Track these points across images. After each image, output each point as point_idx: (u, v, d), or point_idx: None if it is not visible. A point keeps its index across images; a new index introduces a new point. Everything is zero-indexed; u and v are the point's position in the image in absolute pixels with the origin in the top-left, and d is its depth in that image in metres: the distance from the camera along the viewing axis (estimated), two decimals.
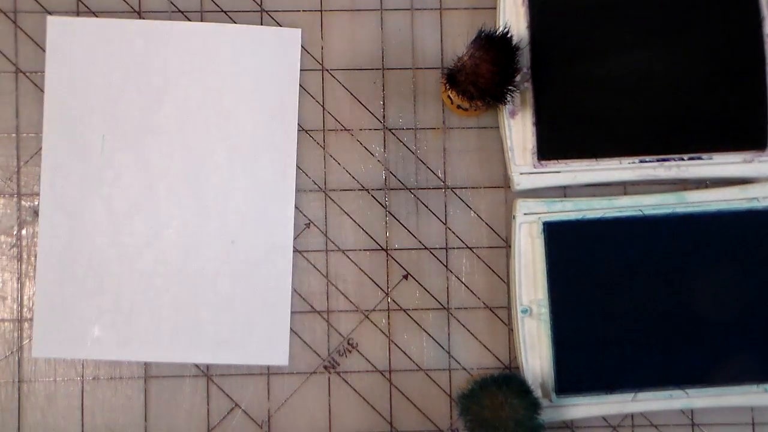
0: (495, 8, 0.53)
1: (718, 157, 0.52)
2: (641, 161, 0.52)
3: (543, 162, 0.51)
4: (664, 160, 0.52)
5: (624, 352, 0.51)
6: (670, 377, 0.51)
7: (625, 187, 0.53)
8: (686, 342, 0.51)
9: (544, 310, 0.51)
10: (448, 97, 0.51)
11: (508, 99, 0.49)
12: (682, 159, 0.52)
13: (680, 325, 0.51)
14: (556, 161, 0.51)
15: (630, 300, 0.51)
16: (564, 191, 0.53)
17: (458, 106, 0.52)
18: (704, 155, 0.52)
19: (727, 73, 0.52)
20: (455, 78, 0.48)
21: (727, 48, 0.52)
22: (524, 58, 0.51)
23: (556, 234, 0.51)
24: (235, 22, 0.53)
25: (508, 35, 0.48)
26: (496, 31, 0.48)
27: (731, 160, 0.52)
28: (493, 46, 0.48)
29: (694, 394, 0.51)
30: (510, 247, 0.53)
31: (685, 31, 0.52)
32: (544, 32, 0.51)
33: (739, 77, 0.52)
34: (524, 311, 0.51)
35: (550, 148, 0.51)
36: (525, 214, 0.51)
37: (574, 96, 0.52)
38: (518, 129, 0.51)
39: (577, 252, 0.51)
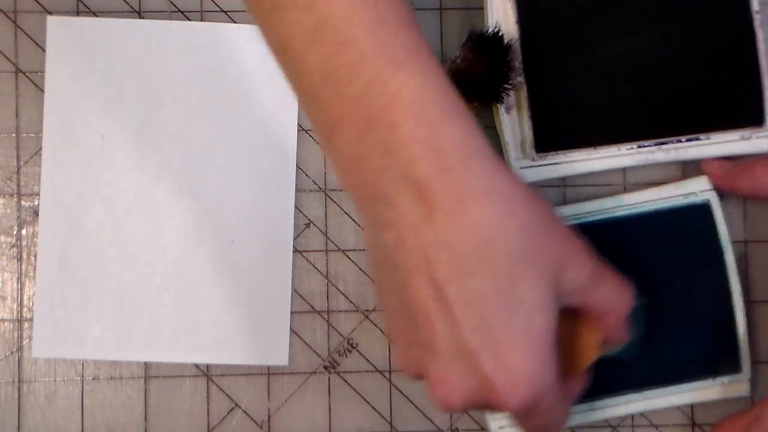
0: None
1: (716, 137, 0.52)
2: (639, 146, 0.52)
3: (541, 154, 0.51)
4: (662, 143, 0.52)
5: None
6: (626, 383, 0.51)
7: (625, 174, 0.53)
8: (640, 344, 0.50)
9: None
10: None
11: (505, 97, 0.49)
12: (680, 141, 0.52)
13: None
14: (554, 153, 0.51)
15: None
16: (564, 182, 0.53)
17: None
18: (702, 135, 0.52)
19: (719, 51, 0.52)
20: (450, 81, 0.48)
21: (718, 26, 0.52)
22: (516, 53, 0.51)
23: None
24: (235, 22, 0.53)
25: (499, 34, 0.48)
26: (486, 31, 0.48)
27: (729, 138, 0.52)
28: (485, 46, 0.48)
29: (652, 395, 0.51)
30: None
31: (675, 11, 0.52)
32: (533, 25, 0.51)
33: (731, 55, 0.52)
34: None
35: (547, 140, 0.51)
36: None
37: (568, 86, 0.52)
38: (514, 123, 0.51)
39: None
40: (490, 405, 0.40)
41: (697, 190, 0.52)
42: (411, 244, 0.38)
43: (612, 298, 0.43)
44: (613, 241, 0.51)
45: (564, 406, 0.44)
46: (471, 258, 0.38)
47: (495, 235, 0.38)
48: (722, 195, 0.52)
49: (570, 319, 0.44)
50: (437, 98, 0.38)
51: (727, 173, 0.51)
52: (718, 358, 0.51)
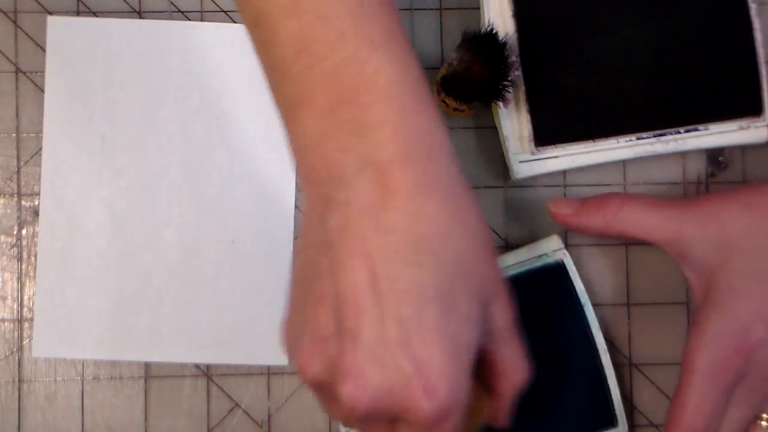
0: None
1: (715, 127, 0.52)
2: (638, 138, 0.52)
3: (540, 148, 0.51)
4: (660, 135, 0.52)
5: None
6: None
7: (624, 167, 0.53)
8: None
9: None
10: (443, 101, 0.51)
11: (506, 95, 0.49)
12: (679, 132, 0.52)
13: None
14: (553, 146, 0.51)
15: None
16: (564, 177, 0.53)
17: (455, 109, 0.52)
18: (701, 126, 0.52)
19: (716, 42, 0.52)
20: (449, 84, 0.49)
21: (714, 17, 0.52)
22: (512, 48, 0.51)
23: None
24: (235, 22, 0.53)
25: (494, 32, 0.48)
26: (480, 31, 0.48)
27: (728, 129, 0.52)
28: (482, 45, 0.48)
29: None
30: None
31: (672, 2, 0.52)
32: (530, 19, 0.51)
33: (728, 46, 0.52)
34: None
35: (546, 134, 0.51)
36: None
37: (566, 80, 0.52)
38: (513, 118, 0.51)
39: None
40: (400, 410, 0.37)
41: (549, 250, 0.51)
42: (357, 227, 0.37)
43: (514, 364, 0.42)
44: None
45: None
46: (419, 248, 0.37)
47: (447, 232, 0.38)
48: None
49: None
50: (411, 86, 0.38)
51: (578, 211, 0.50)
52: (593, 414, 0.51)
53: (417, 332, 0.37)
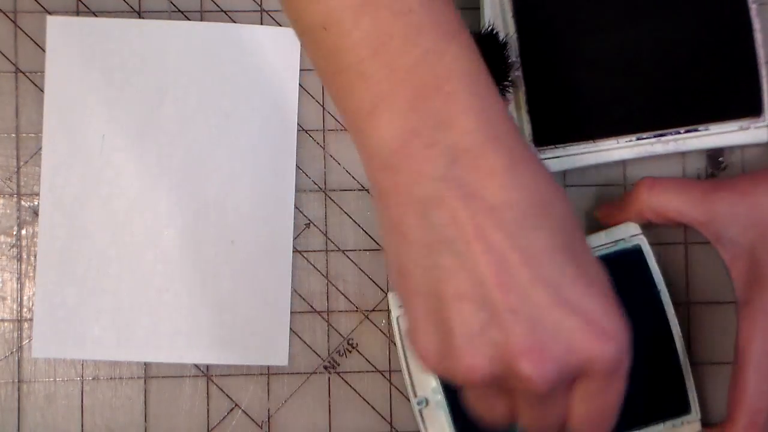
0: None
1: (715, 127, 0.52)
2: (638, 139, 0.52)
3: (540, 148, 0.51)
4: (660, 135, 0.52)
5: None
6: None
7: (624, 167, 0.53)
8: None
9: (439, 397, 0.50)
10: None
11: (506, 95, 0.49)
12: (679, 132, 0.52)
13: None
14: (553, 147, 0.51)
15: None
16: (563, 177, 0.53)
17: None
18: (701, 127, 0.52)
19: (716, 42, 0.52)
20: None
21: (714, 17, 0.52)
22: (512, 48, 0.51)
23: None
24: (235, 22, 0.53)
25: (494, 32, 0.48)
26: (480, 31, 0.48)
27: (728, 129, 0.52)
28: (482, 45, 0.48)
29: None
30: None
31: (672, 2, 0.52)
32: (530, 19, 0.51)
33: (728, 46, 0.52)
34: (420, 403, 0.50)
35: (546, 134, 0.51)
36: (400, 306, 0.50)
37: (566, 80, 0.52)
38: (513, 118, 0.51)
39: None
40: (585, 365, 0.37)
41: (627, 235, 0.51)
42: (469, 214, 0.37)
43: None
44: None
45: None
46: (532, 215, 0.37)
47: (547, 195, 0.38)
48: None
49: None
50: (484, 72, 0.38)
51: (617, 208, 0.51)
52: (667, 400, 0.51)
53: (566, 287, 0.37)
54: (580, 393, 0.39)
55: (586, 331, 0.36)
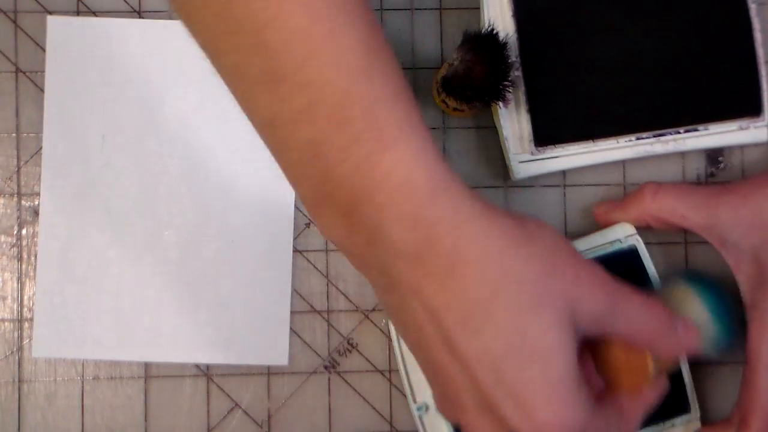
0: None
1: (714, 127, 0.52)
2: (638, 138, 0.52)
3: (540, 148, 0.51)
4: (660, 135, 0.52)
5: None
6: None
7: (624, 167, 0.53)
8: None
9: None
10: (443, 101, 0.51)
11: (506, 95, 0.49)
12: (678, 132, 0.52)
13: None
14: (553, 147, 0.51)
15: None
16: (563, 176, 0.53)
17: (455, 109, 0.52)
18: (700, 126, 0.52)
19: (715, 42, 0.52)
20: (450, 84, 0.48)
21: (714, 17, 0.52)
22: (512, 48, 0.51)
23: None
24: None
25: (494, 32, 0.48)
26: (480, 31, 0.48)
27: (727, 129, 0.52)
28: (481, 46, 0.48)
29: None
30: None
31: (671, 2, 0.52)
32: (529, 19, 0.51)
33: (728, 46, 0.52)
34: (420, 408, 0.50)
35: (546, 134, 0.51)
36: None
37: (565, 80, 0.52)
38: (513, 118, 0.51)
39: None
40: None
41: (622, 236, 0.51)
42: (414, 306, 0.39)
43: (635, 321, 0.42)
44: None
45: (624, 424, 0.43)
46: (473, 317, 0.38)
47: (491, 294, 0.38)
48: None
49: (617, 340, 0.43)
50: (428, 177, 0.38)
51: (617, 205, 0.51)
52: (666, 400, 0.50)
53: (508, 390, 0.38)
54: None
55: (524, 429, 0.38)
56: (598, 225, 0.52)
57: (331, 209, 0.39)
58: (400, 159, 0.37)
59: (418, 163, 0.38)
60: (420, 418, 0.50)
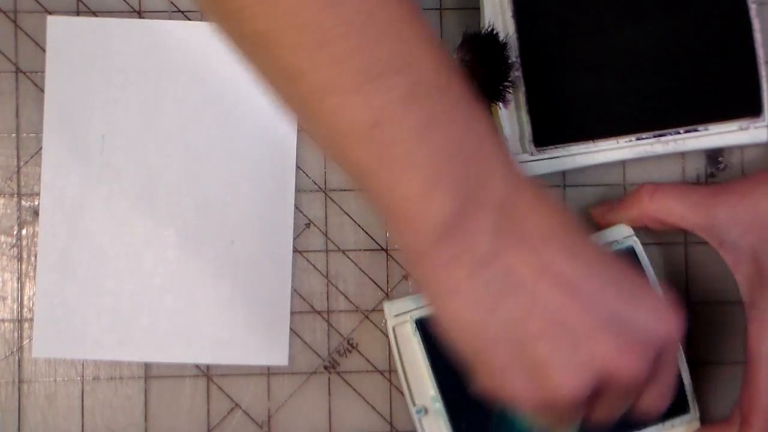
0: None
1: (714, 128, 0.52)
2: (638, 139, 0.52)
3: (540, 149, 0.51)
4: (660, 135, 0.52)
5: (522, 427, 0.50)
6: None
7: (624, 167, 0.53)
8: None
9: (438, 405, 0.50)
10: None
11: (506, 95, 0.49)
12: (678, 132, 0.52)
13: None
14: (553, 147, 0.51)
15: None
16: (563, 177, 0.53)
17: None
18: (700, 127, 0.52)
19: (715, 42, 0.52)
20: None
21: (714, 17, 0.52)
22: (512, 48, 0.51)
23: (429, 328, 0.50)
24: None
25: (494, 33, 0.48)
26: (480, 32, 0.48)
27: (727, 129, 0.52)
28: (481, 46, 0.48)
29: None
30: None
31: (671, 2, 0.52)
32: (529, 19, 0.51)
33: (728, 46, 0.52)
34: (419, 411, 0.50)
35: (546, 134, 0.51)
36: (395, 315, 0.51)
37: (565, 80, 0.52)
38: (512, 118, 0.51)
39: None
40: (663, 344, 0.40)
41: (620, 237, 0.51)
42: (522, 259, 0.39)
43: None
44: None
45: None
46: (572, 237, 0.40)
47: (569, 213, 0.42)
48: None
49: None
50: (491, 123, 0.41)
51: (616, 206, 0.52)
52: None
53: (626, 289, 0.40)
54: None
55: (655, 319, 0.40)
56: (596, 226, 0.52)
57: (444, 187, 0.38)
58: (477, 106, 0.40)
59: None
60: (420, 420, 0.50)
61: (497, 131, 0.41)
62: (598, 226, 0.52)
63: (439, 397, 0.50)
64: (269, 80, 0.39)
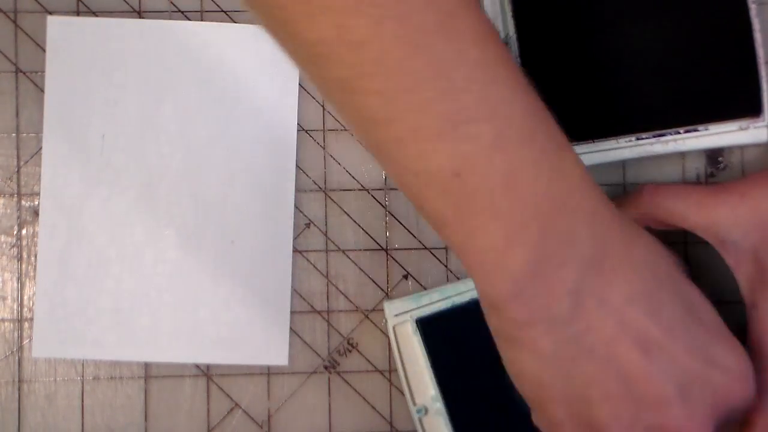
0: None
1: (714, 128, 0.52)
2: (638, 139, 0.52)
3: None
4: (660, 135, 0.52)
5: (525, 429, 0.50)
6: None
7: (624, 167, 0.53)
8: None
9: (438, 405, 0.50)
10: None
11: None
12: (679, 132, 0.52)
13: None
14: None
15: None
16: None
17: None
18: (700, 127, 0.52)
19: (715, 42, 0.52)
20: None
21: (714, 17, 0.52)
22: (513, 48, 0.51)
23: (430, 328, 0.50)
24: (235, 22, 0.53)
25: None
26: None
27: (727, 129, 0.52)
28: None
29: None
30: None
31: (671, 3, 0.52)
32: (529, 19, 0.51)
33: (728, 46, 0.52)
34: (420, 411, 0.50)
35: None
36: (396, 315, 0.51)
37: (565, 80, 0.52)
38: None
39: (455, 340, 0.51)
40: (733, 410, 0.40)
41: None
42: (602, 320, 0.38)
43: None
44: None
45: None
46: (657, 294, 0.39)
47: (660, 263, 0.41)
48: None
49: None
50: (586, 171, 0.40)
51: (617, 205, 0.51)
52: None
53: (701, 347, 0.40)
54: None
55: (727, 380, 0.39)
56: None
57: (525, 241, 0.37)
58: (572, 153, 0.39)
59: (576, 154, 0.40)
60: (420, 420, 0.50)
61: (589, 176, 0.39)
62: None
63: (439, 396, 0.50)
64: (351, 122, 0.37)
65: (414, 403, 0.51)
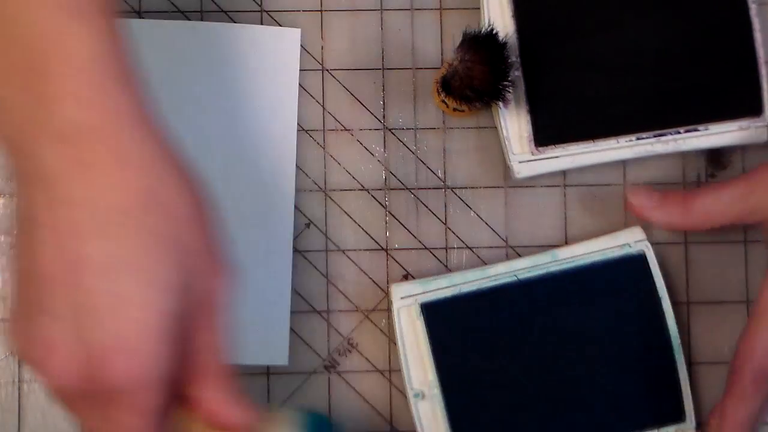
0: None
1: (715, 127, 0.52)
2: (638, 138, 0.52)
3: (541, 148, 0.51)
4: (660, 135, 0.52)
5: (518, 420, 0.51)
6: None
7: (624, 167, 0.53)
8: (579, 399, 0.51)
9: (435, 391, 0.50)
10: (443, 101, 0.51)
11: (506, 95, 0.49)
12: (679, 132, 0.52)
13: (569, 383, 0.51)
14: (553, 146, 0.51)
15: (518, 366, 0.51)
16: (564, 177, 0.53)
17: (455, 109, 0.52)
18: (700, 126, 0.52)
19: (716, 42, 0.52)
20: (450, 84, 0.49)
21: (714, 17, 0.52)
22: (512, 48, 0.51)
23: (434, 313, 0.50)
24: (235, 22, 0.53)
25: (494, 32, 0.48)
26: (480, 31, 0.48)
27: (728, 129, 0.52)
28: (482, 46, 0.48)
29: None
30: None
31: (671, 3, 0.52)
32: (529, 19, 0.51)
33: (728, 45, 0.52)
34: (417, 395, 0.50)
35: (546, 134, 0.51)
36: (402, 298, 0.51)
37: (566, 80, 0.52)
38: (513, 118, 0.51)
39: (458, 327, 0.51)
40: (100, 382, 0.37)
41: (632, 240, 0.51)
42: (46, 201, 0.36)
43: (212, 345, 0.42)
44: (550, 298, 0.51)
45: None
46: (107, 220, 0.36)
47: (141, 203, 0.37)
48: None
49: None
50: (111, 58, 0.37)
51: (659, 204, 0.51)
52: (662, 408, 0.51)
53: (110, 303, 0.36)
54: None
55: (107, 350, 0.37)
56: (631, 213, 0.51)
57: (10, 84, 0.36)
58: (97, 31, 0.37)
59: (103, 40, 0.37)
60: (416, 404, 0.50)
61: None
62: (634, 216, 0.51)
63: (437, 382, 0.50)
64: None
65: (411, 387, 0.51)
